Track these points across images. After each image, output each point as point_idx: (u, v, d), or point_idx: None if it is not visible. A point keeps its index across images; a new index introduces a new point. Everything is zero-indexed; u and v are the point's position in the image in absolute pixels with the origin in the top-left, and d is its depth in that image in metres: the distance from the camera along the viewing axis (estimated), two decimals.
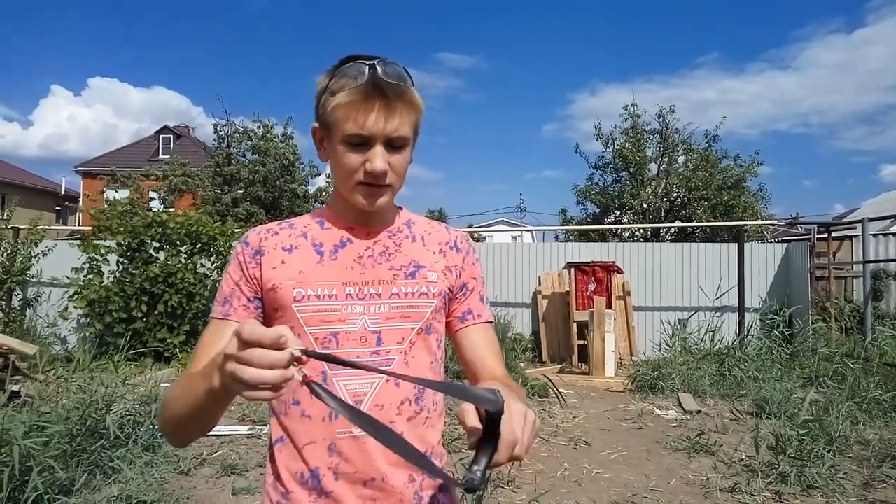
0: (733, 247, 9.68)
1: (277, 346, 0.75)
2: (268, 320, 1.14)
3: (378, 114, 1.04)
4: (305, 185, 16.16)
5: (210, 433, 1.08)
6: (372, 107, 1.04)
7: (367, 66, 1.04)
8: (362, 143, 1.06)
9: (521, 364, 8.63)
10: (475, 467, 0.78)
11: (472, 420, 0.80)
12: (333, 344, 1.08)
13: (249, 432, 5.38)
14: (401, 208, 1.27)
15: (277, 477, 1.12)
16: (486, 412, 0.79)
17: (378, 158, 1.06)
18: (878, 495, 4.08)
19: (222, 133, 14.04)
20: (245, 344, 0.75)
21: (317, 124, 1.14)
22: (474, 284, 1.25)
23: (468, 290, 1.24)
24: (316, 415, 1.08)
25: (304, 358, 0.78)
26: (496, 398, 0.78)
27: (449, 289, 1.20)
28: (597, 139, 19.36)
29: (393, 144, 1.07)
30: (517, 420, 0.81)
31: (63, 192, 34.40)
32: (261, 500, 1.16)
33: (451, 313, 1.23)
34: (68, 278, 8.90)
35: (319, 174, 16.56)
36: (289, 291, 1.10)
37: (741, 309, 9.24)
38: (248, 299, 1.12)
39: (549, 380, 6.41)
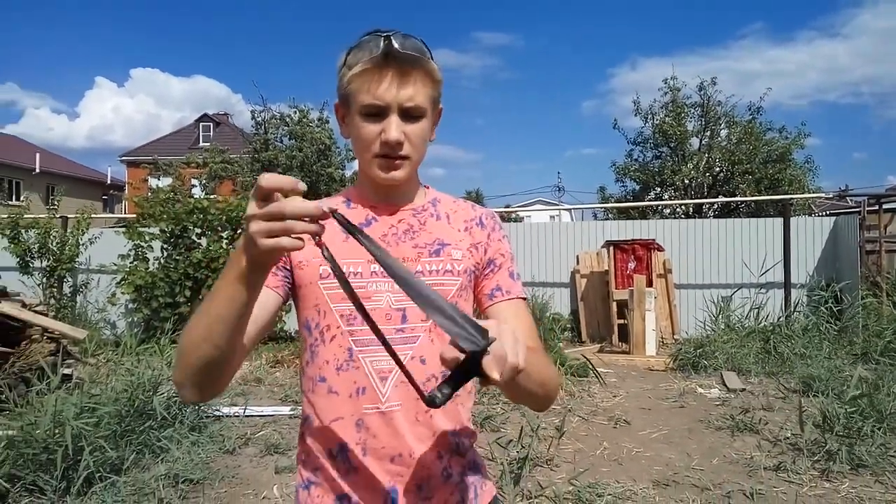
0: (778, 221, 9.41)
1: (297, 190, 0.80)
2: (294, 296, 1.16)
3: (392, 82, 1.04)
4: (342, 170, 16.25)
5: (228, 379, 1.04)
6: (385, 75, 1.04)
7: (383, 38, 1.04)
8: (378, 113, 1.06)
9: (561, 344, 8.58)
10: (444, 388, 0.80)
11: (450, 353, 0.77)
12: (358, 321, 1.08)
13: (291, 412, 5.48)
14: (427, 187, 1.26)
15: (308, 454, 1.13)
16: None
17: (393, 127, 1.05)
18: None
19: (259, 119, 14.20)
20: (265, 192, 0.80)
21: (338, 101, 1.15)
22: (502, 260, 1.21)
23: (495, 266, 1.21)
24: (343, 391, 1.08)
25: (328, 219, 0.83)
26: (476, 337, 0.77)
27: (475, 266, 1.18)
28: (636, 114, 19.01)
29: (409, 114, 1.07)
30: (507, 338, 0.79)
31: (109, 182, 35.34)
32: (296, 477, 1.17)
33: (479, 291, 1.20)
34: (115, 265, 9.15)
35: (356, 158, 16.61)
36: (315, 269, 1.11)
37: (787, 285, 9.00)
38: (277, 267, 1.12)
39: (588, 359, 6.37)
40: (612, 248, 9.15)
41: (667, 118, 18.12)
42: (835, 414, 4.59)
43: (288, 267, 1.13)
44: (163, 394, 4.80)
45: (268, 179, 0.80)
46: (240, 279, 0.88)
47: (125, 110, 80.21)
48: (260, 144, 14.08)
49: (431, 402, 0.81)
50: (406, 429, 1.07)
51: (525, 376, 0.97)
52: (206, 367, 0.97)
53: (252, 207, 0.81)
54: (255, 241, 0.81)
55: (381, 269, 1.08)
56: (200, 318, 0.94)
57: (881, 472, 3.95)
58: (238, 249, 0.87)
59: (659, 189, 19.13)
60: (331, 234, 1.12)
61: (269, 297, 1.11)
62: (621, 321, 8.89)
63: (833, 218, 9.80)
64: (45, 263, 9.70)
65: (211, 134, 34.92)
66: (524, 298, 1.23)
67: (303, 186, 0.82)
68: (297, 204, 0.79)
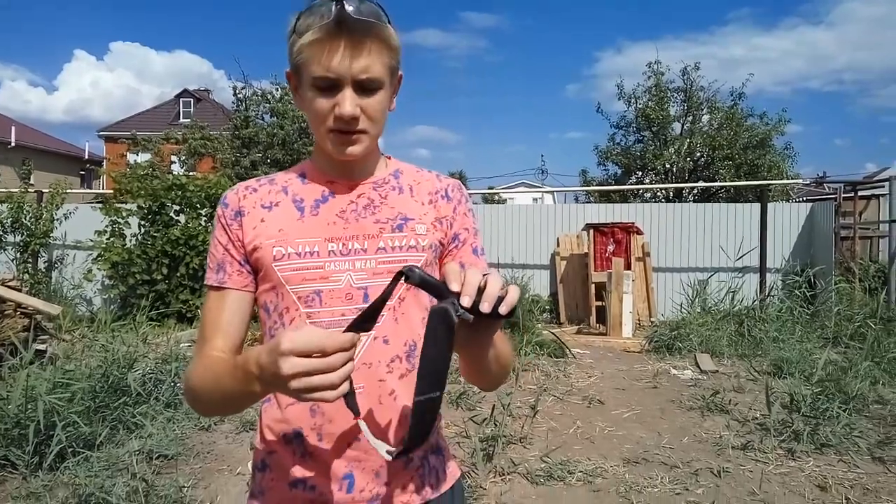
0: (756, 207, 9.51)
1: (335, 349, 0.80)
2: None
3: (344, 53, 0.97)
4: None
5: None
6: (337, 46, 0.97)
7: (334, 2, 0.96)
8: (331, 86, 1.00)
9: (539, 325, 8.65)
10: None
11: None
12: (317, 302, 1.04)
13: None
14: (389, 157, 1.20)
15: (264, 437, 1.10)
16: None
17: (347, 102, 0.99)
18: (893, 453, 4.05)
19: (240, 96, 14.01)
20: (293, 356, 0.79)
21: (289, 69, 1.07)
22: (466, 236, 1.17)
23: (460, 241, 1.16)
24: None
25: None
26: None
27: (440, 241, 1.14)
28: (619, 98, 18.99)
29: (364, 87, 1.00)
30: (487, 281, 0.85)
31: (87, 157, 34.76)
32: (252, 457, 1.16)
33: (441, 267, 1.16)
34: (91, 241, 9.06)
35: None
36: (269, 251, 1.06)
37: (762, 269, 9.12)
38: (240, 263, 1.09)
39: (556, 336, 6.45)
40: (591, 231, 9.21)
41: (650, 102, 18.15)
42: (802, 395, 4.69)
43: (244, 256, 1.09)
44: (138, 370, 4.79)
45: (321, 343, 0.80)
46: (254, 396, 0.93)
47: (104, 84, 78.85)
48: (240, 121, 13.89)
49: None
50: (366, 413, 1.04)
51: (492, 355, 1.01)
52: (212, 412, 1.12)
53: (288, 365, 0.79)
54: (293, 395, 0.82)
55: (340, 248, 1.07)
56: (212, 385, 1.00)
57: (845, 452, 4.05)
58: (251, 374, 0.88)
59: (640, 173, 19.19)
60: (283, 213, 1.10)
61: (245, 299, 1.10)
62: (599, 303, 8.97)
63: (810, 204, 9.93)
64: (18, 238, 9.56)
65: (191, 110, 34.40)
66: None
67: (353, 341, 0.83)
68: (338, 359, 0.81)
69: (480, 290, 0.83)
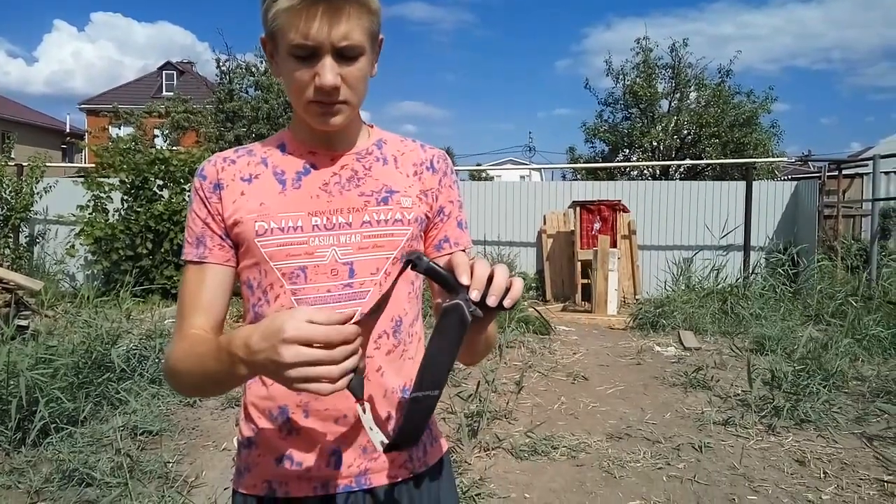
0: (742, 185, 9.55)
1: (341, 341, 0.77)
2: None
3: (322, 20, 0.92)
4: None
5: None
6: (315, 12, 0.92)
7: None
8: (309, 54, 0.95)
9: (525, 303, 8.68)
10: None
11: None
12: (302, 279, 1.02)
13: None
14: (371, 126, 1.16)
15: (249, 413, 1.09)
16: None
17: (327, 71, 0.94)
18: (870, 429, 4.13)
19: (224, 69, 13.79)
20: (297, 345, 0.76)
21: (264, 36, 1.02)
22: (451, 209, 1.15)
23: (445, 214, 1.14)
24: None
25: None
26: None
27: (426, 214, 1.12)
28: (607, 74, 18.91)
29: (344, 54, 0.95)
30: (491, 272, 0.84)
31: (68, 130, 34.19)
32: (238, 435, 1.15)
33: (426, 241, 1.15)
34: (74, 216, 8.94)
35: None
36: (251, 226, 1.02)
37: (747, 248, 9.19)
38: (221, 237, 1.05)
39: (538, 310, 6.49)
40: (578, 209, 9.22)
41: (637, 79, 18.09)
42: (783, 372, 4.76)
43: (225, 230, 1.06)
44: (122, 346, 4.76)
45: (327, 335, 0.77)
46: (239, 379, 0.89)
47: (86, 56, 77.28)
48: (224, 94, 13.69)
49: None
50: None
51: (481, 338, 1.01)
52: (196, 394, 1.12)
53: (291, 354, 0.76)
54: (288, 384, 0.78)
55: (324, 223, 1.05)
56: (194, 367, 0.97)
57: (824, 428, 4.12)
58: (237, 357, 0.84)
59: (627, 150, 19.19)
60: (264, 185, 1.06)
61: (226, 274, 1.07)
62: (585, 281, 9.01)
63: (794, 183, 9.98)
64: None
65: (174, 83, 33.89)
66: (470, 248, 1.20)
67: (355, 332, 0.80)
68: (343, 351, 0.78)
69: (487, 283, 0.83)
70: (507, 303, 0.83)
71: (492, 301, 0.82)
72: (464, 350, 1.02)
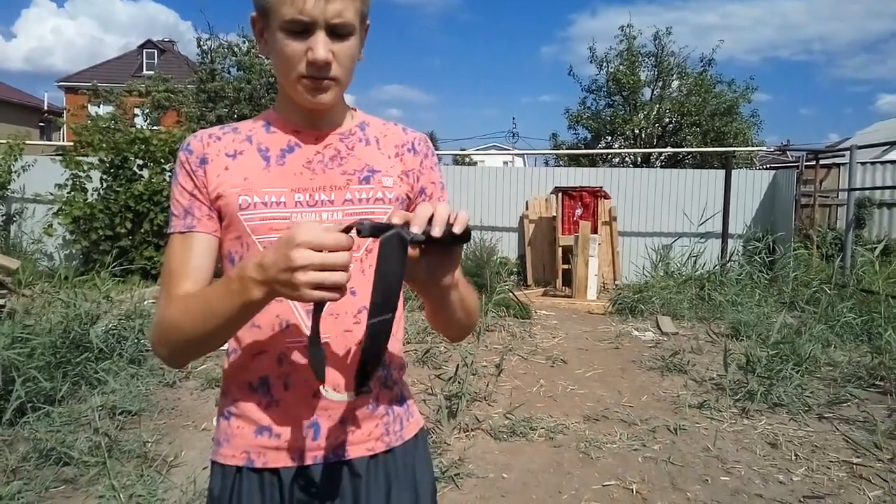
0: (721, 173, 9.64)
1: (343, 247, 0.82)
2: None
3: None
4: None
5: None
6: None
7: None
8: (303, 30, 0.97)
9: (506, 287, 8.73)
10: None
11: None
12: None
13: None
14: (355, 109, 1.18)
15: (229, 386, 1.11)
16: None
17: (320, 46, 0.97)
18: (841, 413, 4.23)
19: (205, 48, 13.59)
20: (308, 249, 0.81)
21: (255, 13, 1.04)
22: (433, 189, 1.18)
23: (426, 196, 1.16)
24: (266, 324, 1.05)
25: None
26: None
27: (407, 195, 1.14)
28: (591, 61, 18.94)
29: (336, 31, 0.98)
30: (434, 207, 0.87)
31: (46, 108, 33.56)
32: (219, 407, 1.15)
33: None
34: (52, 195, 8.81)
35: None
36: (234, 199, 1.04)
37: (725, 235, 9.30)
38: (209, 208, 1.06)
39: (515, 295, 6.58)
40: (560, 195, 9.25)
41: (621, 66, 18.14)
42: (757, 357, 4.84)
43: (210, 203, 1.07)
44: (101, 326, 4.73)
45: (336, 240, 0.82)
46: (251, 307, 0.91)
47: (66, 33, 75.78)
48: (206, 74, 13.52)
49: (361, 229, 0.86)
50: (331, 362, 1.05)
51: (456, 297, 1.02)
52: (192, 354, 1.04)
53: (302, 256, 0.81)
54: (298, 290, 0.82)
55: (307, 199, 1.07)
56: (190, 315, 0.97)
57: (796, 412, 4.21)
58: (250, 280, 0.87)
59: (610, 138, 19.29)
60: (248, 161, 1.07)
61: (214, 243, 1.07)
62: (566, 266, 9.07)
63: (773, 172, 10.10)
64: None
65: (155, 62, 33.35)
66: None
67: (351, 244, 0.84)
68: (346, 256, 0.83)
69: (429, 221, 0.86)
70: (456, 229, 0.87)
71: (436, 232, 0.85)
72: (440, 310, 1.05)
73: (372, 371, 0.93)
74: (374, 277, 0.86)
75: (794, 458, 3.57)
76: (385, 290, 0.86)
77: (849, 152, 8.66)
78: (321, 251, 0.81)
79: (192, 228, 1.06)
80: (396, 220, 0.85)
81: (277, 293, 0.86)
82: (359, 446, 1.09)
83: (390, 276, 0.86)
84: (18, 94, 34.03)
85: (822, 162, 10.13)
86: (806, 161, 10.20)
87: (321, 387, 0.94)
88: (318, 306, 0.91)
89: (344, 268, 0.82)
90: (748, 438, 3.84)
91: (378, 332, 0.89)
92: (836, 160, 11.00)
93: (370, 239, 1.08)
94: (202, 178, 1.06)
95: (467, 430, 3.87)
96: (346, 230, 0.86)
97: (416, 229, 0.85)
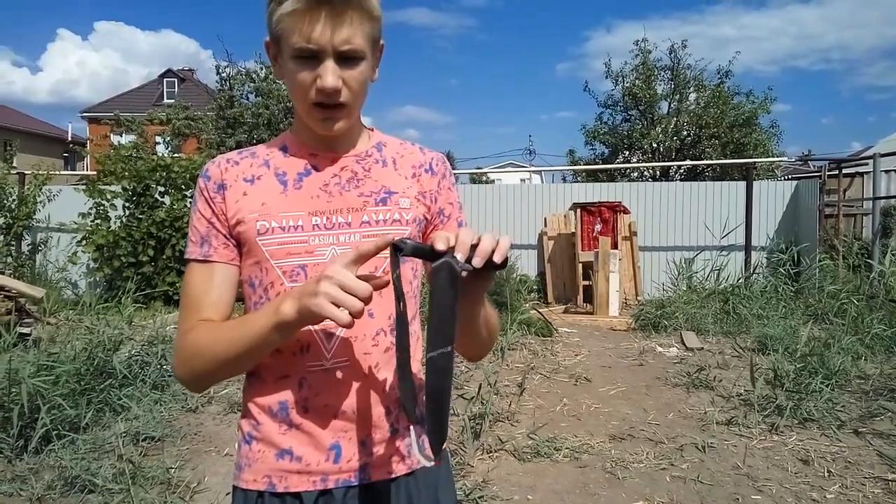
0: (742, 185, 9.54)
1: (367, 294, 0.87)
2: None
3: (325, 24, 0.95)
4: None
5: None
6: (318, 16, 0.95)
7: None
8: (311, 56, 0.98)
9: (526, 305, 8.68)
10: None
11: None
12: (302, 276, 1.04)
13: None
14: (372, 130, 1.19)
15: (249, 410, 1.10)
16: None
17: (329, 74, 0.97)
18: (874, 427, 4.12)
19: (224, 75, 13.82)
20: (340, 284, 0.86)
21: (268, 38, 1.05)
22: (451, 210, 1.18)
23: (445, 216, 1.17)
24: (286, 348, 1.05)
25: None
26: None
27: (424, 216, 1.14)
28: (607, 77, 18.93)
29: (346, 58, 0.98)
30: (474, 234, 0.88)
31: (70, 139, 34.27)
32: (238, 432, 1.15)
33: (426, 242, 1.13)
34: (76, 223, 8.97)
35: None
36: (252, 225, 1.05)
37: (748, 247, 9.18)
38: (226, 237, 1.07)
39: (540, 312, 6.48)
40: (579, 211, 9.22)
41: (637, 81, 18.10)
42: (785, 371, 4.74)
43: (228, 230, 1.08)
44: (123, 353, 4.76)
45: (365, 290, 0.87)
46: (282, 327, 0.94)
47: (90, 65, 77.63)
48: (225, 101, 13.74)
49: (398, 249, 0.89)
50: (352, 385, 1.05)
51: (482, 317, 1.04)
52: (217, 377, 1.07)
53: (334, 270, 0.87)
54: (317, 296, 0.87)
55: (324, 223, 1.07)
56: (224, 346, 1.00)
57: (827, 426, 4.11)
58: (285, 296, 0.93)
59: (627, 152, 19.20)
60: (265, 186, 1.08)
61: (232, 272, 1.09)
62: (586, 283, 9.01)
63: (795, 182, 9.98)
64: (1, 220, 9.44)
65: (175, 90, 34.00)
66: None
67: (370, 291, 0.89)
68: (369, 290, 0.87)
69: (472, 248, 0.86)
70: (496, 257, 0.87)
71: (476, 262, 0.85)
72: (466, 330, 1.04)
73: (445, 417, 0.90)
74: (430, 308, 0.86)
75: (826, 474, 3.47)
76: (442, 324, 0.86)
77: (872, 160, 8.53)
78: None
79: (209, 257, 1.08)
80: (440, 246, 0.86)
81: (304, 306, 0.89)
82: (380, 469, 1.09)
83: (444, 308, 0.86)
84: (43, 125, 34.87)
85: (844, 171, 10.00)
86: (828, 170, 10.07)
87: (420, 459, 0.98)
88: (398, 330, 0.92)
89: (364, 298, 0.86)
90: (779, 455, 3.75)
91: (436, 367, 0.86)
92: (860, 169, 10.85)
93: (387, 261, 1.08)
94: (220, 205, 1.07)
95: (491, 451, 3.82)
96: (393, 252, 0.88)
97: (460, 256, 0.85)
